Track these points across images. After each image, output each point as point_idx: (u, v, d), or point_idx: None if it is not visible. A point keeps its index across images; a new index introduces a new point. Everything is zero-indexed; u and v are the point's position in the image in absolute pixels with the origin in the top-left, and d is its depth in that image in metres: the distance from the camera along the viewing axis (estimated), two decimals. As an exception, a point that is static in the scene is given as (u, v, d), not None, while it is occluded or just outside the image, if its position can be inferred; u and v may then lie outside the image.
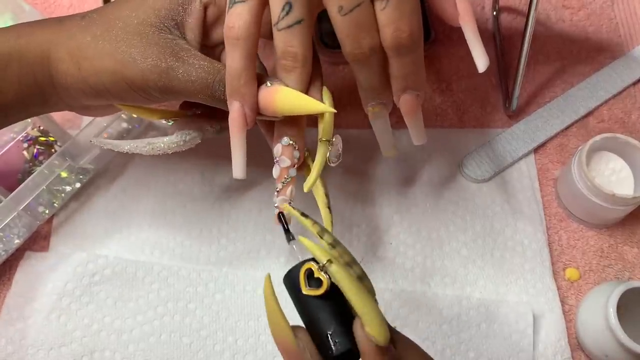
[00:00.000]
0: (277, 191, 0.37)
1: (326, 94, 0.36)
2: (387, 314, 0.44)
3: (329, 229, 0.40)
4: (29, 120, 0.51)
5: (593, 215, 0.48)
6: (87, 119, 0.49)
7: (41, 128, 0.51)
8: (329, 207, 0.40)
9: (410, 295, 0.45)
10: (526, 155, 0.52)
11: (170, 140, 0.39)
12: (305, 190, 0.37)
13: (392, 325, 0.44)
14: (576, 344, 0.45)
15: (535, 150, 0.52)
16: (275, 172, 0.37)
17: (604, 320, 0.41)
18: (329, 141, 0.36)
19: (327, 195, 0.40)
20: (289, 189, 0.37)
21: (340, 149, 0.37)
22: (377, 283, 0.46)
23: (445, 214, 0.49)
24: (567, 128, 0.53)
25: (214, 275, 0.47)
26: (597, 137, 0.47)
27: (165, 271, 0.47)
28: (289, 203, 0.37)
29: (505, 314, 0.44)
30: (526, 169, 0.52)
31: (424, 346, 0.43)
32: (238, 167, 0.35)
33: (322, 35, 0.55)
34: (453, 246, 0.48)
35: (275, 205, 0.37)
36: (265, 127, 0.39)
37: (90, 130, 0.48)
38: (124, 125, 0.51)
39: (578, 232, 0.49)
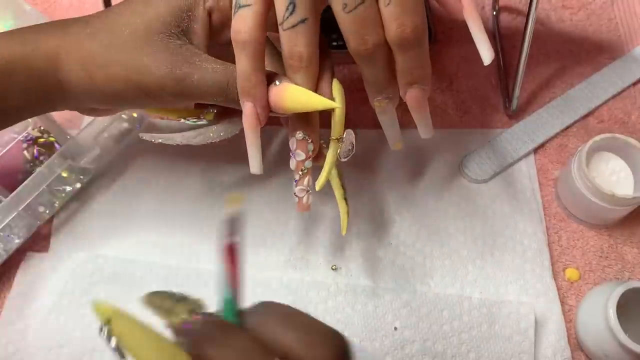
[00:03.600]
0: (296, 181, 0.38)
1: (337, 88, 0.36)
2: (387, 315, 0.44)
3: (345, 219, 0.42)
4: (29, 120, 0.51)
5: (593, 215, 0.48)
6: (87, 119, 0.49)
7: (41, 128, 0.51)
8: (345, 199, 0.42)
9: (411, 295, 0.45)
10: (526, 155, 0.52)
11: (218, 130, 0.41)
12: (317, 189, 0.37)
13: (393, 326, 0.44)
14: (576, 344, 0.45)
15: (535, 150, 0.52)
16: (292, 164, 0.38)
17: (604, 321, 0.41)
18: (338, 139, 0.37)
19: (343, 187, 0.42)
20: (306, 179, 0.38)
21: (353, 143, 0.37)
22: (377, 283, 0.46)
23: (446, 215, 0.49)
24: (567, 128, 0.53)
25: (214, 275, 0.47)
26: (597, 138, 0.47)
27: (165, 271, 0.47)
28: (308, 192, 0.38)
29: (506, 315, 0.44)
30: (526, 169, 0.52)
31: (425, 347, 0.44)
32: (255, 163, 0.36)
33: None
34: (453, 246, 0.48)
35: (295, 194, 0.38)
36: (284, 121, 0.41)
37: (91, 130, 0.48)
38: (125, 125, 0.51)
39: (578, 232, 0.49)
